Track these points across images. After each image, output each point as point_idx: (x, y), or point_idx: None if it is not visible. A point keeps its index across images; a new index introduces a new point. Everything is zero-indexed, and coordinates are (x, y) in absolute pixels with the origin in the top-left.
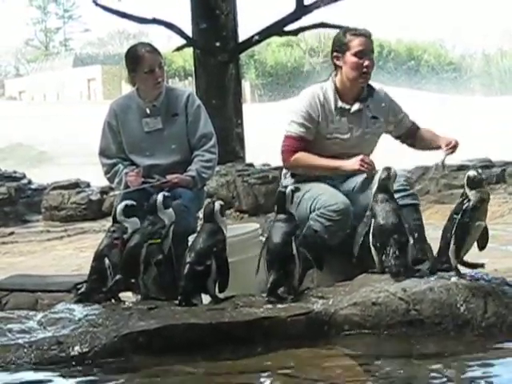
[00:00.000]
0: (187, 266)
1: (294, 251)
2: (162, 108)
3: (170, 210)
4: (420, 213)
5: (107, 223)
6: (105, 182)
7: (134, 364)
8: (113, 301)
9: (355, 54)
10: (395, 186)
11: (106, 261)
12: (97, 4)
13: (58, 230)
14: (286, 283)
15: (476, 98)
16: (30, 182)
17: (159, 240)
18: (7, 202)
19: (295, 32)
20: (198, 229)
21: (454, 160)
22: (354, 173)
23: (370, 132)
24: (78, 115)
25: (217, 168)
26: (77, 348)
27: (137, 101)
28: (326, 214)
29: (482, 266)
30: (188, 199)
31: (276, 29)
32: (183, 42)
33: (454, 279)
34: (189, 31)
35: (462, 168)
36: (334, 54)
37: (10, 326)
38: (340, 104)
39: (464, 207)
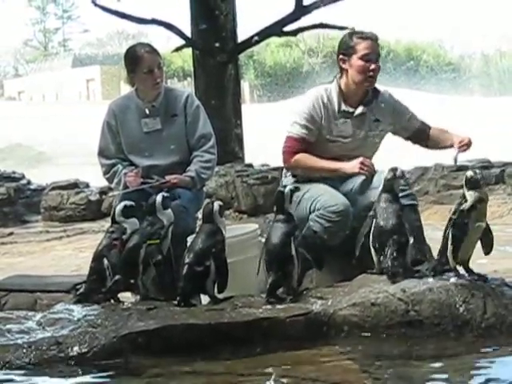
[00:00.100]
0: (186, 266)
1: (293, 252)
2: (161, 108)
3: (169, 210)
4: (419, 213)
5: (106, 224)
6: (104, 183)
7: (133, 364)
8: (112, 301)
9: (361, 58)
10: None
11: (105, 261)
12: (96, 4)
13: (57, 231)
14: (285, 284)
15: (475, 99)
16: (29, 183)
17: (158, 240)
18: (6, 202)
19: (294, 32)
20: (197, 229)
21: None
22: (353, 174)
23: (372, 135)
24: (77, 115)
25: (216, 168)
26: (76, 348)
27: (136, 101)
28: (326, 215)
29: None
30: (187, 200)
31: (275, 29)
32: (182, 42)
33: (453, 280)
34: (188, 32)
35: (461, 168)
36: (340, 56)
37: (9, 326)
38: (344, 107)
39: (461, 208)
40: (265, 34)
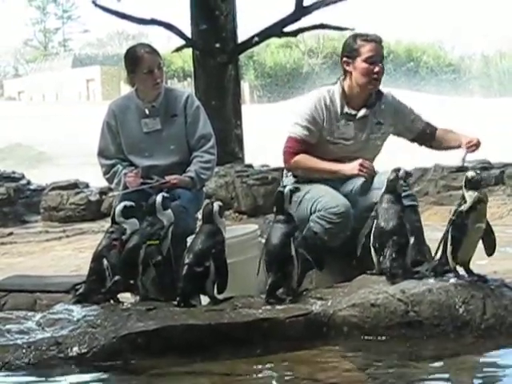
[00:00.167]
0: (186, 266)
1: (293, 252)
2: (160, 109)
3: (169, 210)
4: (419, 214)
5: (106, 224)
6: (104, 183)
7: (132, 365)
8: (111, 302)
9: (365, 60)
10: None
11: (105, 262)
12: (96, 5)
13: (57, 231)
14: (285, 284)
15: (475, 100)
16: (28, 183)
17: (158, 241)
18: (6, 202)
19: (294, 33)
20: (197, 230)
21: (453, 161)
22: (353, 176)
23: (374, 137)
24: (77, 116)
25: (216, 169)
26: (75, 349)
27: (136, 101)
28: (327, 217)
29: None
30: (187, 200)
31: (275, 30)
32: (182, 42)
33: (452, 281)
34: (188, 32)
35: (460, 169)
36: (344, 59)
37: (8, 326)
38: (346, 109)
39: (460, 208)
40: (265, 34)
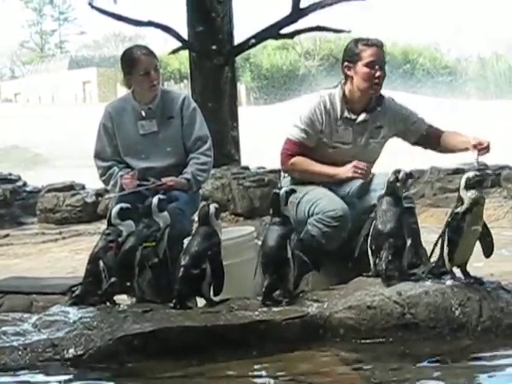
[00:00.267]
0: (182, 268)
1: (289, 255)
2: (157, 111)
3: (165, 212)
4: (416, 216)
5: (102, 226)
6: (100, 185)
7: (128, 367)
8: (108, 303)
9: (367, 65)
10: None
11: (101, 263)
12: (92, 6)
13: (53, 233)
14: (281, 286)
15: (471, 102)
16: (25, 185)
17: (154, 243)
18: (2, 204)
19: (291, 35)
20: (193, 232)
21: (450, 163)
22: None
23: (373, 142)
24: (73, 117)
25: (212, 171)
26: (71, 351)
27: (132, 103)
28: (325, 220)
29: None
30: (183, 202)
31: (272, 32)
32: (179, 44)
33: (449, 283)
34: (185, 34)
35: (457, 171)
36: (345, 63)
37: (4, 328)
38: (346, 114)
39: (456, 209)
40: (261, 36)
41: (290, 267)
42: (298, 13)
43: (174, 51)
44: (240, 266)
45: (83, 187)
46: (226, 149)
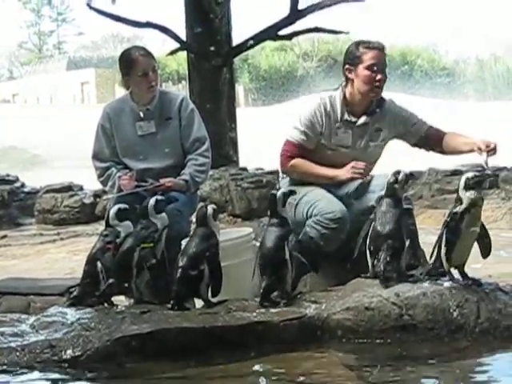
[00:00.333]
0: (180, 270)
1: (287, 256)
2: (155, 112)
3: (163, 213)
4: (414, 218)
5: (100, 227)
6: (98, 186)
7: (126, 368)
8: (105, 304)
9: (368, 68)
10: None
11: (99, 264)
12: (91, 7)
13: (51, 234)
14: (279, 288)
15: (469, 103)
16: (23, 185)
17: (152, 244)
18: (0, 205)
19: (289, 36)
20: (191, 233)
21: (448, 165)
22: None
23: (373, 144)
24: (71, 118)
25: (210, 172)
26: (69, 352)
27: (130, 104)
28: (323, 222)
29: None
30: (181, 203)
31: (270, 33)
32: (177, 45)
33: (447, 284)
34: (183, 35)
35: (455, 173)
36: (346, 66)
37: (2, 329)
38: (346, 116)
39: (455, 210)
40: (260, 37)
41: (287, 268)
42: (296, 14)
43: (172, 52)
44: (238, 267)
45: (81, 188)
46: (224, 150)
